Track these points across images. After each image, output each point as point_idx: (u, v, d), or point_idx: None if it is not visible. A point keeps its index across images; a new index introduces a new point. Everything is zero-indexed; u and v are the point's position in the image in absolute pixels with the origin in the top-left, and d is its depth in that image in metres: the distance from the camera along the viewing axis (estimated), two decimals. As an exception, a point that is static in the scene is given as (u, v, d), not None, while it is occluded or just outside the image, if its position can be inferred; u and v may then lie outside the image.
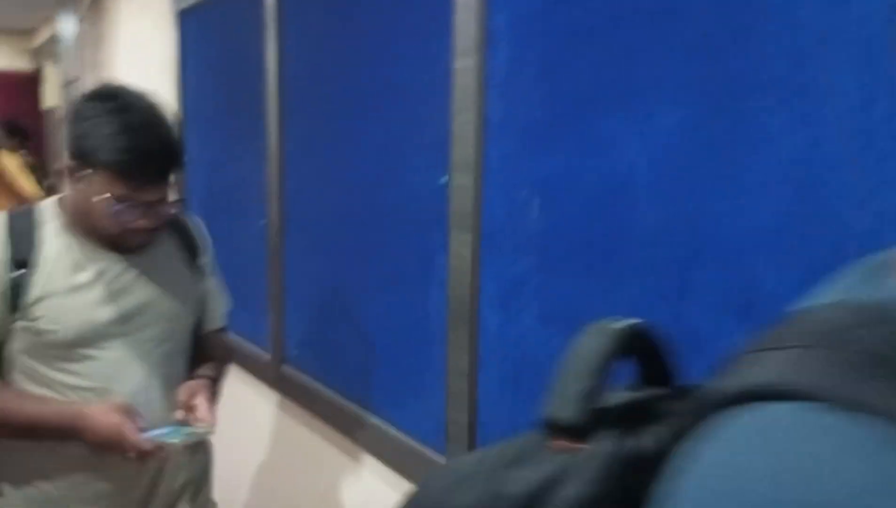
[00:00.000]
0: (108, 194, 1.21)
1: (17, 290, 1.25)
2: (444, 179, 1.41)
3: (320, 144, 1.87)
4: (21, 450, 1.33)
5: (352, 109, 1.73)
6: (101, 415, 1.23)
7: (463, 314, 1.38)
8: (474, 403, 1.39)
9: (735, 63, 0.94)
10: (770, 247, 0.91)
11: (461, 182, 1.36)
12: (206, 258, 1.53)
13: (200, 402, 1.31)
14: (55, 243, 1.30)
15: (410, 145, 1.53)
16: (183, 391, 1.34)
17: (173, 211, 1.36)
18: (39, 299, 1.26)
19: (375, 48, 1.63)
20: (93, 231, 1.30)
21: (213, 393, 1.41)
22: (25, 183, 3.30)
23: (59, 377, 1.29)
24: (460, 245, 1.37)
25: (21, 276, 1.25)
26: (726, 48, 0.95)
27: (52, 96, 6.29)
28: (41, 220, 1.32)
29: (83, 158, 1.23)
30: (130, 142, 1.20)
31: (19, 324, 1.27)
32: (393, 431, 1.63)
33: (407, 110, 1.54)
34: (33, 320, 1.26)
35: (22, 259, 1.26)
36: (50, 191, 3.42)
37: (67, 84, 4.60)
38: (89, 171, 1.23)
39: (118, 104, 1.23)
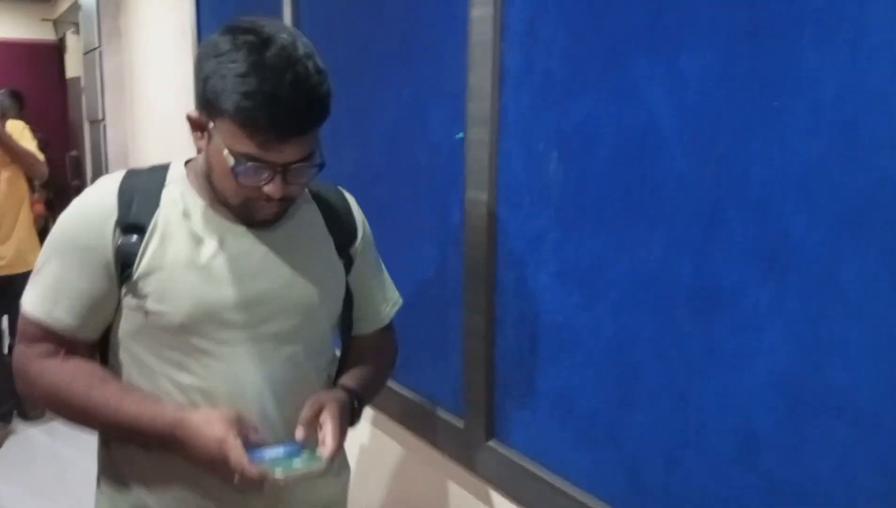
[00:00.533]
0: (231, 152, 0.96)
1: (125, 259, 1.02)
2: (460, 134, 1.36)
3: (338, 102, 1.83)
4: (127, 449, 1.11)
5: (368, 65, 1.68)
6: (205, 425, 0.99)
7: (479, 274, 1.34)
8: (491, 365, 1.35)
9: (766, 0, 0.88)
10: (800, 195, 0.86)
11: (477, 137, 1.31)
12: (361, 242, 1.22)
13: (326, 421, 1.04)
14: (174, 209, 1.06)
15: (428, 100, 1.48)
16: (308, 405, 1.05)
17: (313, 178, 1.08)
18: (148, 273, 1.02)
19: (390, 3, 1.58)
20: (218, 199, 1.06)
21: (349, 411, 1.11)
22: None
23: (165, 369, 1.05)
24: (476, 202, 1.33)
25: (130, 243, 1.02)
26: (757, -16, 0.89)
27: (74, 66, 6.30)
28: (163, 181, 1.08)
29: (207, 105, 0.97)
30: (260, 85, 0.92)
31: (128, 301, 1.04)
32: (412, 396, 1.60)
33: (422, 64, 1.49)
34: (142, 297, 1.03)
35: (133, 224, 1.03)
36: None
37: (88, 53, 4.59)
38: (213, 123, 0.98)
39: (255, 39, 0.95)
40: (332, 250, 1.17)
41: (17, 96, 4.18)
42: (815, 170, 0.84)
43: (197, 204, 1.07)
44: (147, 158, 3.73)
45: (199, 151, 1.05)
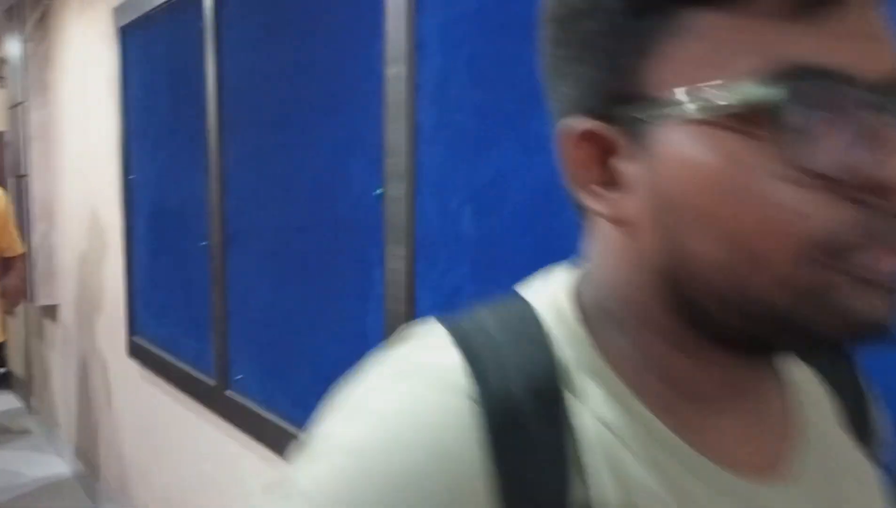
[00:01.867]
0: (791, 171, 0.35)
1: None
2: (378, 191, 1.37)
3: (259, 160, 1.82)
4: None
5: (289, 123, 1.68)
6: None
7: (399, 328, 1.34)
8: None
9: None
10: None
11: (395, 193, 1.32)
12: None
13: None
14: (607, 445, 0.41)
15: (347, 156, 1.48)
16: None
17: None
18: None
19: (309, 59, 1.59)
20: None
21: None
22: None
23: None
24: (395, 258, 1.33)
25: None
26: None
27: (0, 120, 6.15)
28: (550, 360, 0.43)
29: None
30: None
31: None
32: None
33: (342, 121, 1.50)
34: None
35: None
36: None
37: (13, 107, 4.49)
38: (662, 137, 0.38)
39: None
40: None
41: None
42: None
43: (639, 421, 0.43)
44: (71, 213, 3.64)
45: (602, 230, 0.46)
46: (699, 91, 0.36)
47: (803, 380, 0.51)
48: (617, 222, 0.42)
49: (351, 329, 1.50)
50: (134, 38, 2.59)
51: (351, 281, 1.50)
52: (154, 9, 2.35)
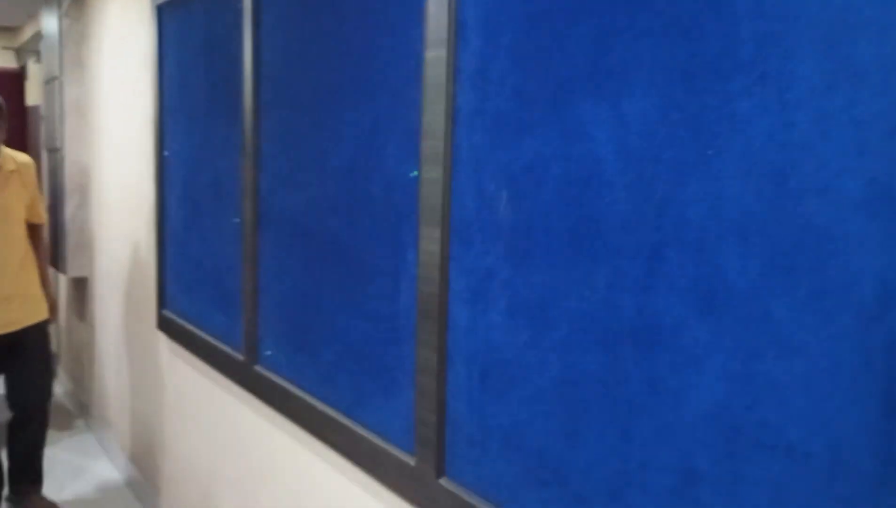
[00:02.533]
0: None
1: None
2: (414, 173, 1.38)
3: (294, 139, 1.84)
4: None
5: (325, 103, 1.70)
6: None
7: (432, 311, 1.35)
8: (443, 402, 1.36)
9: (704, 47, 0.92)
10: (734, 237, 0.89)
11: (431, 175, 1.33)
12: None
13: None
14: None
15: (383, 138, 1.50)
16: None
17: None
18: None
19: (349, 40, 1.60)
20: None
21: None
22: None
23: None
24: (429, 240, 1.34)
25: None
26: (696, 32, 0.93)
27: (34, 94, 6.23)
28: None
29: None
30: None
31: None
32: (363, 431, 1.60)
33: (380, 103, 1.51)
34: None
35: None
36: None
37: (49, 81, 4.55)
38: None
39: None
40: None
41: None
42: (747, 213, 0.87)
43: None
44: (104, 187, 3.69)
45: None
46: None
47: None
48: None
49: (382, 310, 1.52)
50: (171, 16, 2.61)
51: (383, 262, 1.51)
52: (193, -13, 2.37)
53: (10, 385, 3.09)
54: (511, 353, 1.21)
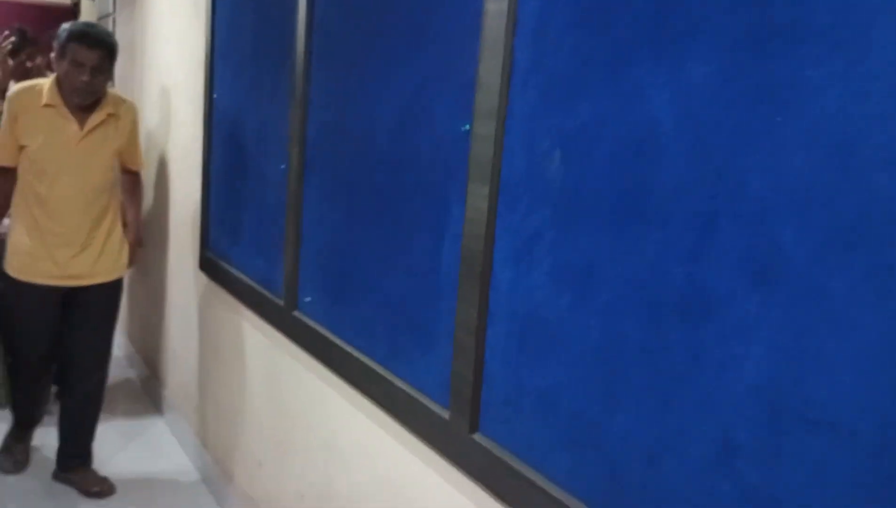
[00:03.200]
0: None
1: None
2: (466, 127, 1.37)
3: (344, 89, 1.83)
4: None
5: (377, 53, 1.68)
6: None
7: (475, 269, 1.35)
8: (481, 359, 1.36)
9: (773, 11, 0.88)
10: (794, 208, 0.86)
11: (483, 131, 1.32)
12: None
13: None
14: None
15: (436, 90, 1.48)
16: None
17: None
18: None
19: (406, -10, 1.58)
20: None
21: None
22: None
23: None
24: (478, 197, 1.33)
25: None
26: (770, -1, 0.89)
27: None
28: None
29: None
30: None
31: None
32: (399, 383, 1.61)
33: (434, 54, 1.49)
34: None
35: None
36: None
37: (101, 19, 4.58)
38: None
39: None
40: None
41: (23, 33, 3.57)
42: (810, 184, 0.85)
43: None
44: (153, 124, 3.73)
45: None
46: None
47: None
48: None
49: (424, 265, 1.52)
50: (227, -43, 2.60)
51: (428, 216, 1.51)
52: (250, -71, 2.35)
53: (64, 350, 2.85)
54: (552, 315, 1.21)
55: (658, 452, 1.04)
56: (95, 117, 2.67)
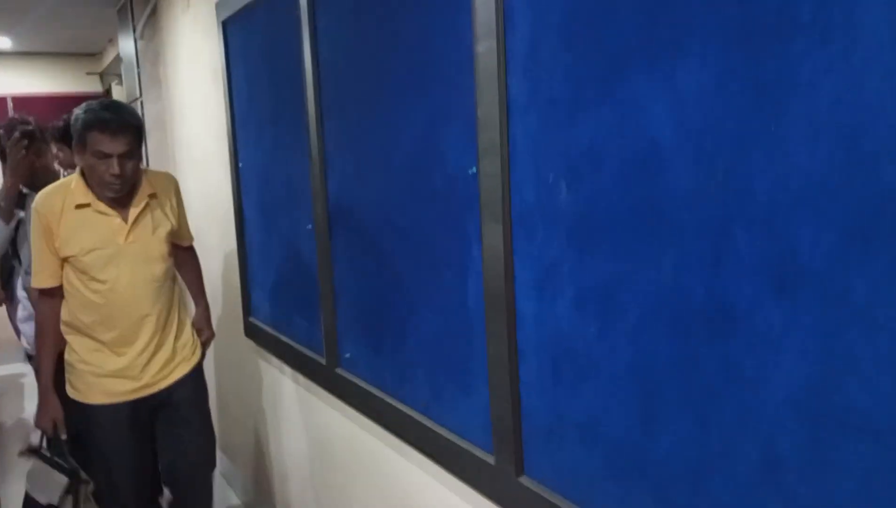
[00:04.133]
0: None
1: None
2: (472, 170, 1.37)
3: (357, 140, 1.85)
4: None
5: (382, 102, 1.70)
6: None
7: (499, 304, 1.33)
8: (517, 397, 1.34)
9: (759, 8, 0.87)
10: (804, 207, 0.84)
11: (489, 170, 1.31)
12: None
13: None
14: None
15: (442, 129, 1.49)
16: None
17: None
18: None
19: (399, 38, 1.60)
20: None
21: None
22: None
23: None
24: (491, 235, 1.33)
25: None
26: None
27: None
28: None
29: None
30: None
31: None
32: (441, 430, 1.60)
33: (435, 97, 1.50)
34: None
35: None
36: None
37: (132, 102, 4.74)
38: None
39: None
40: None
41: (31, 133, 2.97)
42: (817, 181, 0.82)
43: None
44: (189, 197, 3.81)
45: None
46: None
47: None
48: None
49: (452, 305, 1.51)
50: (235, 29, 2.67)
51: (451, 257, 1.50)
52: (253, 1, 2.41)
53: (163, 457, 2.53)
54: (581, 343, 1.18)
55: (703, 471, 1.01)
56: (137, 204, 2.33)
